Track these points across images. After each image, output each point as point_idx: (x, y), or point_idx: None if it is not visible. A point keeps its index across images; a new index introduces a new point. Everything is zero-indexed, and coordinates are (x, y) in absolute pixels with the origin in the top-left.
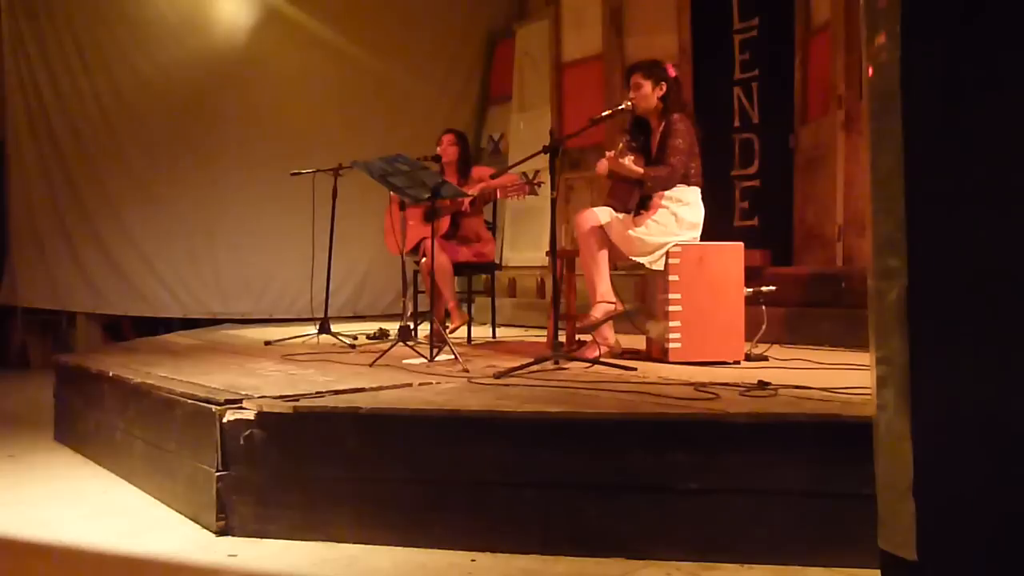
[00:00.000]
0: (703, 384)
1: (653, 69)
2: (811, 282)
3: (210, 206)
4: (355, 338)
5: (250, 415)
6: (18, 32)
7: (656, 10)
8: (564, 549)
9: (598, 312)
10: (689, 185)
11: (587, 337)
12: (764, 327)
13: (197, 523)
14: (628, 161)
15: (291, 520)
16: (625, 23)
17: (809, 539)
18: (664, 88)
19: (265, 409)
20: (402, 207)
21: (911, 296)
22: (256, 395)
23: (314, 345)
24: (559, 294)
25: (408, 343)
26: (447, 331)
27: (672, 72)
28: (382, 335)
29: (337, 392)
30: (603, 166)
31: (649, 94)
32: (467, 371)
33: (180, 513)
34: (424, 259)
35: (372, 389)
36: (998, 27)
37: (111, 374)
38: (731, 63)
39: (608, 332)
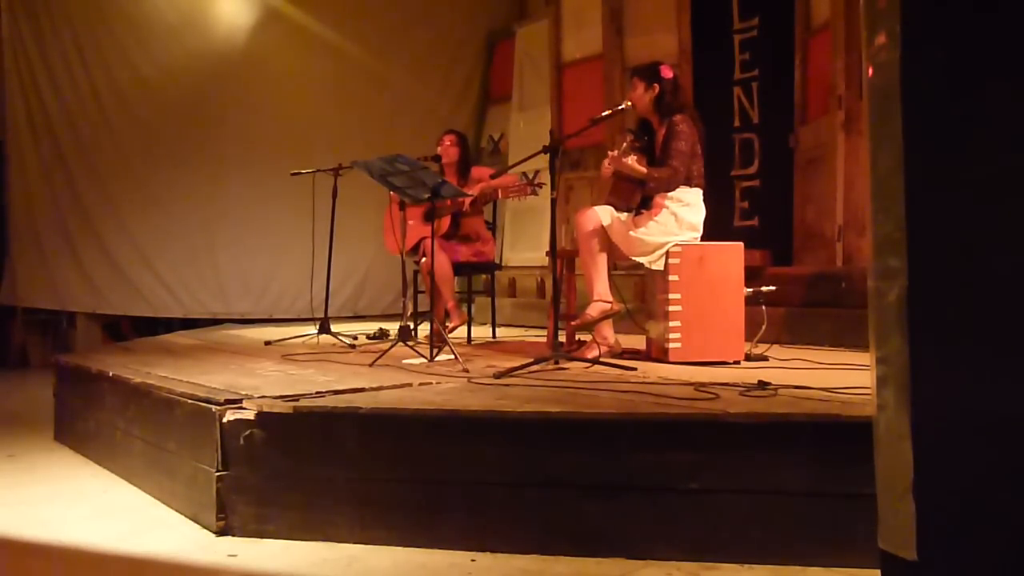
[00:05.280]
0: (703, 384)
1: (647, 71)
2: (811, 282)
3: (210, 206)
4: (355, 338)
5: (250, 415)
6: (18, 32)
7: (656, 10)
8: (564, 549)
9: (594, 311)
10: (691, 187)
11: (587, 337)
12: (764, 327)
13: (197, 523)
14: (631, 160)
15: (291, 520)
16: (625, 23)
17: (809, 539)
18: (656, 90)
19: (265, 409)
20: (402, 207)
21: (911, 296)
22: (256, 395)
23: (314, 345)
24: (559, 294)
25: (408, 343)
26: (446, 331)
27: (668, 74)
28: (382, 335)
29: (337, 392)
30: (608, 167)
31: (642, 95)
32: (467, 371)
33: (180, 513)
34: (424, 259)
35: (372, 389)
36: (998, 27)
37: (111, 374)
38: (731, 63)
39: (608, 332)
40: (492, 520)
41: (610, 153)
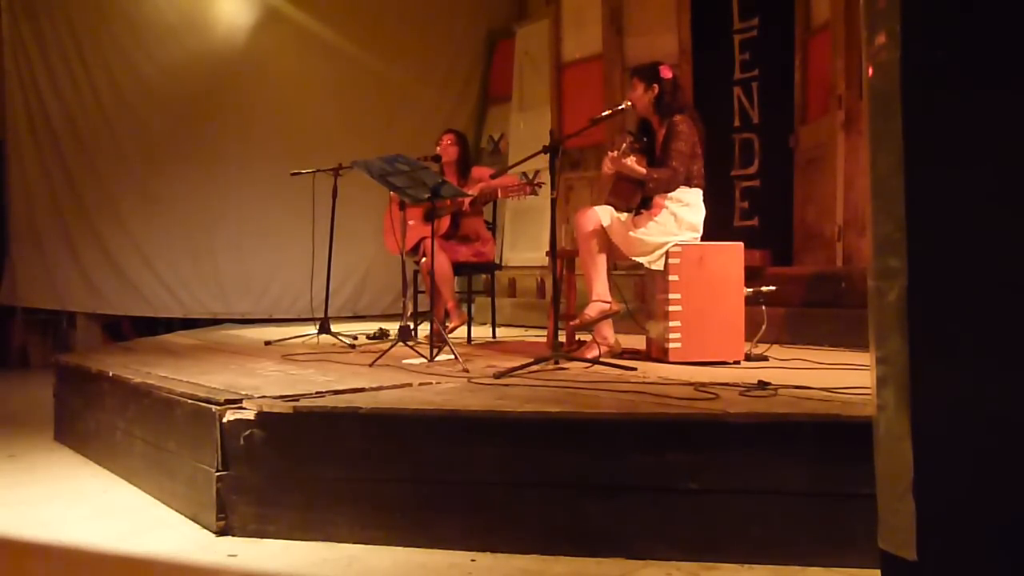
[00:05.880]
0: (703, 384)
1: (646, 71)
2: (811, 282)
3: (210, 206)
4: (355, 338)
5: (250, 415)
6: (18, 32)
7: (656, 10)
8: (564, 549)
9: (592, 311)
10: (691, 187)
11: (587, 337)
12: (764, 327)
13: (197, 523)
14: (631, 161)
15: (291, 520)
16: (625, 23)
17: (809, 539)
18: (656, 90)
19: (265, 409)
20: (402, 207)
21: (911, 296)
22: (256, 395)
23: (314, 345)
24: (559, 294)
25: (408, 343)
26: (446, 331)
27: (667, 74)
28: (382, 335)
29: (337, 392)
30: (609, 165)
31: (641, 96)
32: (467, 371)
33: (180, 513)
34: (424, 259)
35: (372, 389)
36: (998, 26)
37: (111, 374)
38: (731, 63)
39: (608, 332)
40: (492, 520)
41: (610, 153)
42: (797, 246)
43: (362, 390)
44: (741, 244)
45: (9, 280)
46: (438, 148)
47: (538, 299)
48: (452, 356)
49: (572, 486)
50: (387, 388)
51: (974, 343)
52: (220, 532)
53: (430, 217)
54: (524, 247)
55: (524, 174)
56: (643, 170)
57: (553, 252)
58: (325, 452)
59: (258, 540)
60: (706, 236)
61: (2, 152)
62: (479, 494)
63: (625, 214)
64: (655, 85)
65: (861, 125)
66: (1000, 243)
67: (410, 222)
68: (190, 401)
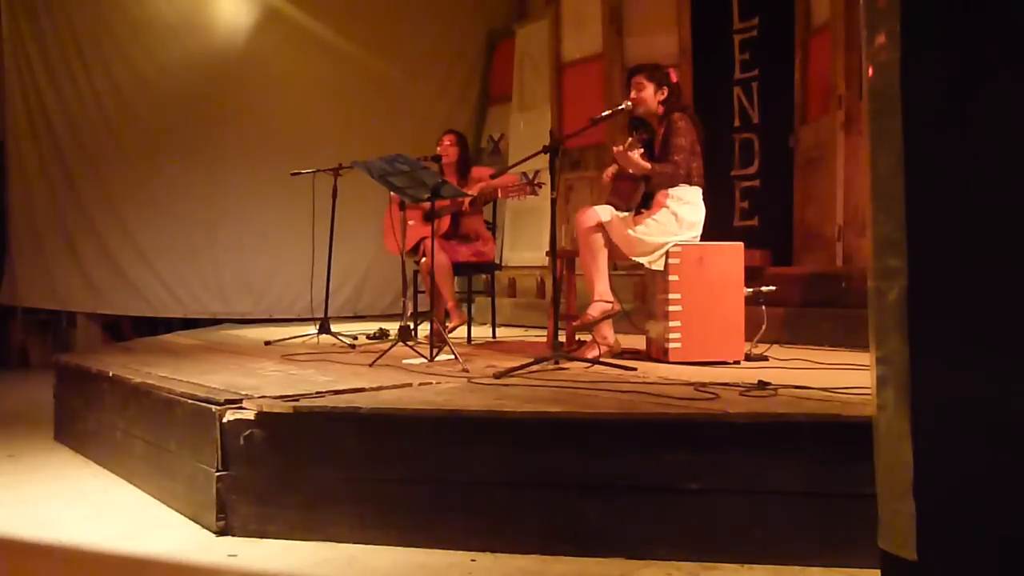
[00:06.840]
0: (703, 384)
1: (656, 73)
2: (811, 282)
3: (210, 206)
4: (355, 338)
5: (250, 415)
6: (18, 32)
7: (656, 10)
8: (564, 549)
9: (594, 311)
10: (691, 185)
11: (587, 337)
12: (764, 327)
13: (197, 523)
14: (637, 155)
15: (291, 520)
16: (625, 23)
17: (809, 539)
18: (666, 93)
19: (265, 409)
20: (402, 207)
21: (911, 296)
22: (256, 395)
23: (314, 345)
24: (559, 294)
25: (408, 343)
26: (446, 331)
27: (674, 77)
28: (382, 335)
29: (337, 392)
30: (609, 173)
31: (651, 97)
32: (467, 371)
33: (180, 513)
34: (424, 259)
35: (372, 389)
36: (998, 26)
37: (111, 374)
38: (731, 63)
39: (608, 332)
40: (492, 520)
41: (615, 148)
42: (797, 246)
43: (362, 390)
44: (741, 244)
45: (9, 280)
46: (438, 148)
47: (538, 299)
48: (452, 356)
49: (572, 486)
50: (387, 388)
51: (974, 343)
52: (220, 532)
53: (430, 217)
54: (524, 247)
55: (524, 174)
56: (647, 164)
57: (553, 252)
58: (325, 452)
59: (258, 540)
60: (706, 236)
61: (2, 152)
62: (479, 494)
63: (625, 213)
64: (665, 87)
65: (861, 125)
66: (1000, 243)
67: (410, 222)
68: (190, 401)
